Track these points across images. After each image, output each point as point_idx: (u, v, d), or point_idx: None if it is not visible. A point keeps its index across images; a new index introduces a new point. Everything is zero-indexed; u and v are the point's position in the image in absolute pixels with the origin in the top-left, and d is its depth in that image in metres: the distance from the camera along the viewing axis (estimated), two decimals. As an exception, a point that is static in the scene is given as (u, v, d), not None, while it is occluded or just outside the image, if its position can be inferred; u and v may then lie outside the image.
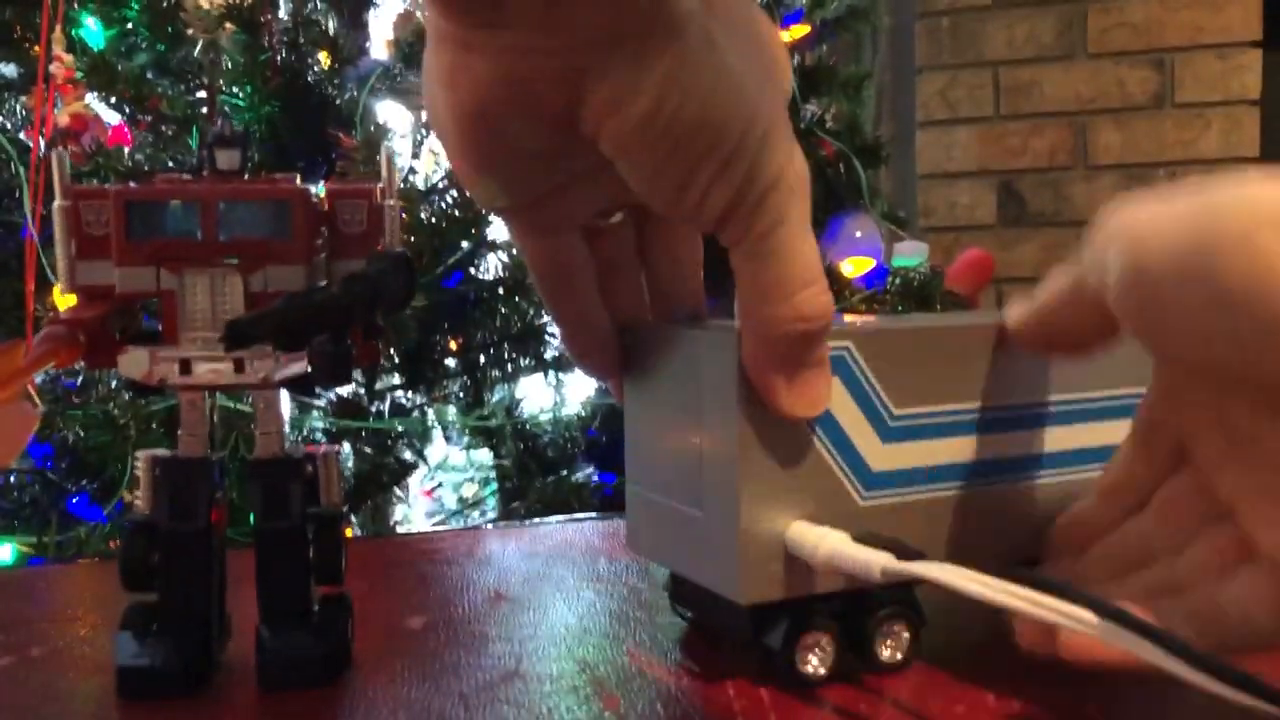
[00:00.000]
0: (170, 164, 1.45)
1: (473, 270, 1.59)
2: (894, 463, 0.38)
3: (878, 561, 0.35)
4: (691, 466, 0.38)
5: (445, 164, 1.61)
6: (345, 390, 1.45)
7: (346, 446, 1.44)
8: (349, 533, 0.41)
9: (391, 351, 1.47)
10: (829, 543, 0.36)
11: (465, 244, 1.54)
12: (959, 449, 0.40)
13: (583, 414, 1.67)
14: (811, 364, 0.35)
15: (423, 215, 1.49)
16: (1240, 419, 0.34)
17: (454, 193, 1.55)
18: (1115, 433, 0.40)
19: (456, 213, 1.54)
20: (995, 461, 0.41)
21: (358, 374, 1.40)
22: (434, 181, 1.59)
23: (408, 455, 1.55)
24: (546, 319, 1.65)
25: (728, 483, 0.36)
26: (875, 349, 0.38)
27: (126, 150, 1.45)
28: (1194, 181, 0.31)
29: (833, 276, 1.73)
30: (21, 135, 1.48)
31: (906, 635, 0.39)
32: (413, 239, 1.43)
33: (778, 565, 0.37)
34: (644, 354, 0.41)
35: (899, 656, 0.39)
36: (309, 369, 0.38)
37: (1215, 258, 0.29)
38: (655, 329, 0.41)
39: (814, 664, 0.38)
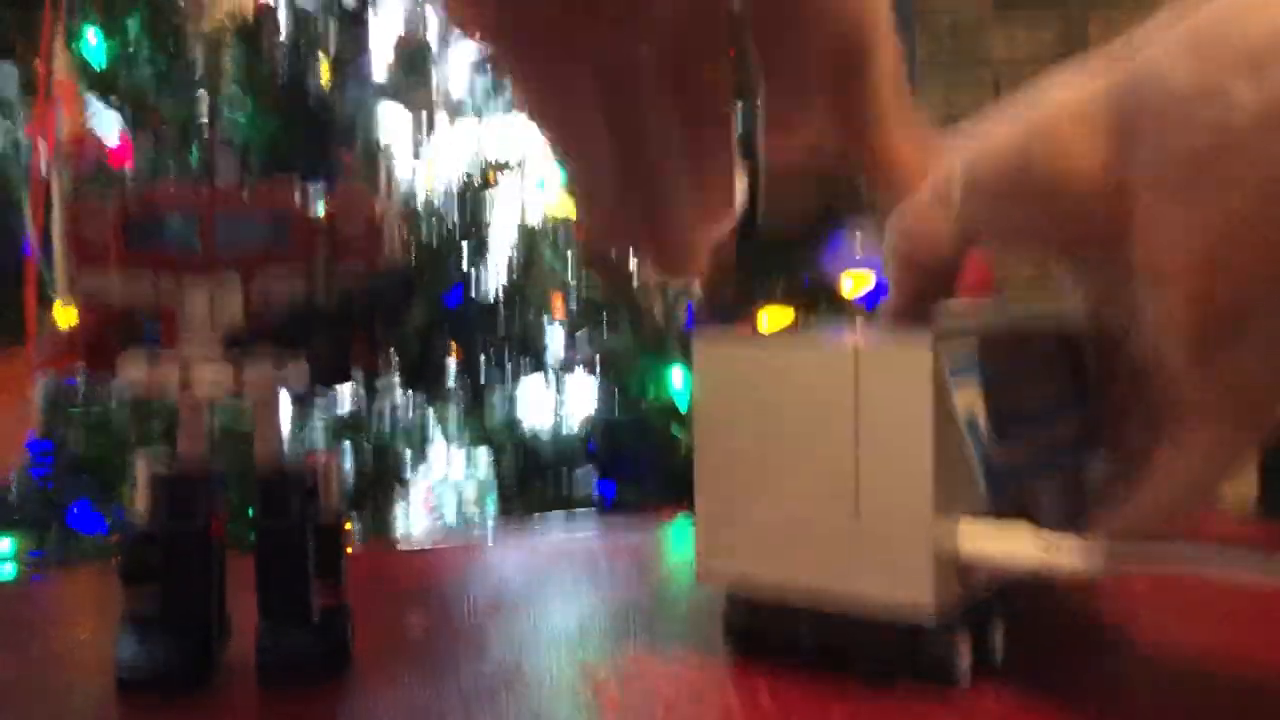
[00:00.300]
0: (170, 176, 1.45)
1: (473, 281, 1.59)
2: (1004, 457, 0.38)
3: (1099, 555, 0.35)
4: (843, 482, 0.36)
5: (445, 177, 1.61)
6: (346, 398, 1.45)
7: (347, 452, 1.44)
8: (348, 539, 0.41)
9: (393, 353, 1.47)
10: (1040, 546, 0.36)
11: (466, 257, 1.54)
12: (1045, 437, 0.41)
13: (583, 425, 1.67)
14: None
15: (423, 229, 1.50)
16: (1123, 300, 0.36)
17: (455, 206, 1.56)
18: None
19: (457, 226, 1.54)
20: (1070, 445, 0.42)
21: (358, 380, 1.40)
22: (435, 194, 1.59)
23: (408, 462, 1.56)
24: (546, 328, 1.66)
25: (915, 496, 0.35)
26: (994, 346, 0.38)
27: (129, 172, 1.45)
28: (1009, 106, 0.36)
29: (831, 296, 1.73)
30: (21, 138, 1.49)
31: (1003, 634, 0.39)
32: (414, 253, 1.44)
33: (953, 573, 0.36)
34: (743, 364, 0.39)
35: (1001, 654, 0.39)
36: (308, 374, 0.38)
37: (1029, 155, 0.34)
38: (764, 338, 0.40)
39: (965, 669, 0.37)
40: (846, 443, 0.36)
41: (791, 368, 0.38)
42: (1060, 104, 0.34)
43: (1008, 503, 0.38)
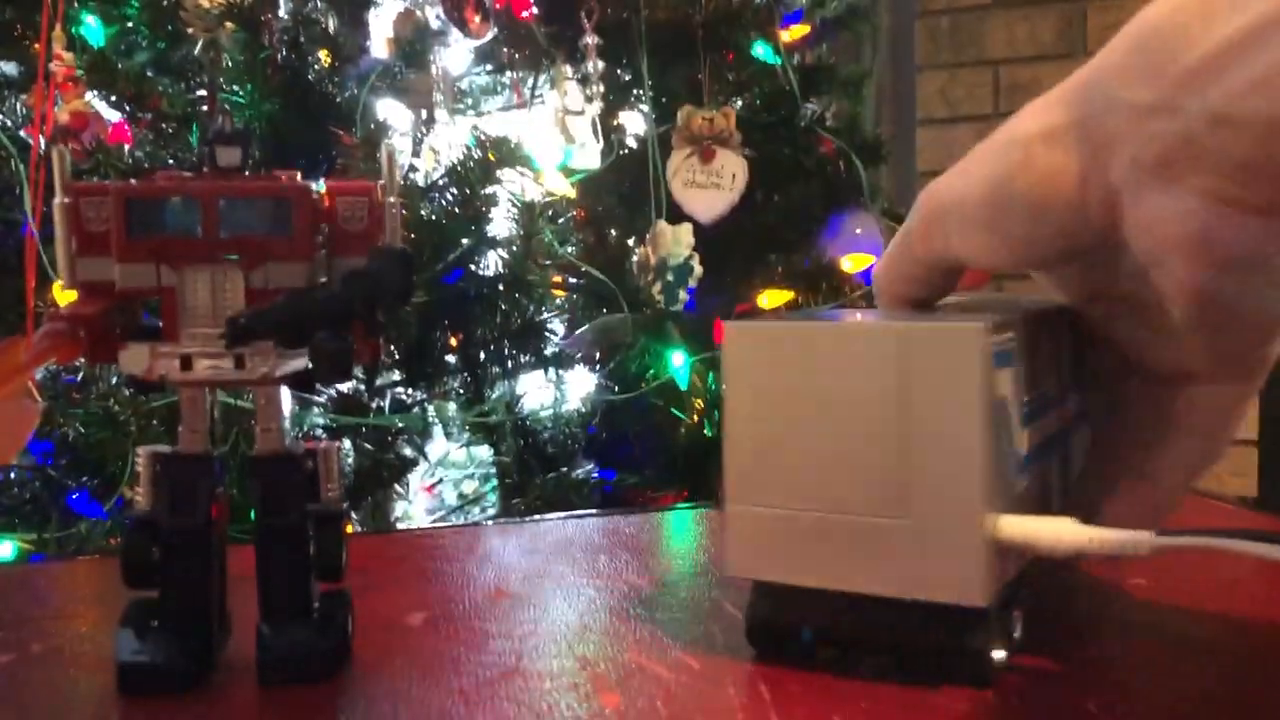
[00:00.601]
0: (171, 161, 1.45)
1: (473, 267, 1.59)
2: (1026, 445, 0.38)
3: (1145, 540, 0.36)
4: (887, 473, 0.36)
5: (445, 161, 1.61)
6: (346, 387, 1.45)
7: (347, 443, 1.44)
8: (349, 529, 0.41)
9: (392, 348, 1.47)
10: (1084, 531, 0.36)
11: (465, 240, 1.54)
12: (1051, 424, 0.41)
13: (583, 410, 1.67)
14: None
15: (423, 212, 1.50)
16: (1111, 294, 0.40)
17: (454, 190, 1.55)
18: None
19: (457, 209, 1.54)
20: (1067, 429, 0.43)
21: (358, 370, 1.40)
22: (434, 178, 1.59)
23: (408, 451, 1.56)
24: (546, 315, 1.65)
25: (966, 486, 0.35)
26: (1023, 336, 0.38)
27: (127, 148, 1.45)
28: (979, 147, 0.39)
29: (833, 272, 1.73)
30: (22, 133, 1.48)
31: (1022, 617, 0.39)
32: (413, 235, 1.44)
33: (996, 562, 0.36)
34: (777, 352, 0.38)
35: (1019, 637, 0.39)
36: (309, 366, 0.38)
37: (1011, 186, 0.37)
38: (799, 325, 0.39)
39: (1001, 662, 0.37)
40: (891, 432, 0.35)
41: (831, 355, 0.36)
42: (1030, 134, 0.37)
43: (1029, 488, 0.39)
